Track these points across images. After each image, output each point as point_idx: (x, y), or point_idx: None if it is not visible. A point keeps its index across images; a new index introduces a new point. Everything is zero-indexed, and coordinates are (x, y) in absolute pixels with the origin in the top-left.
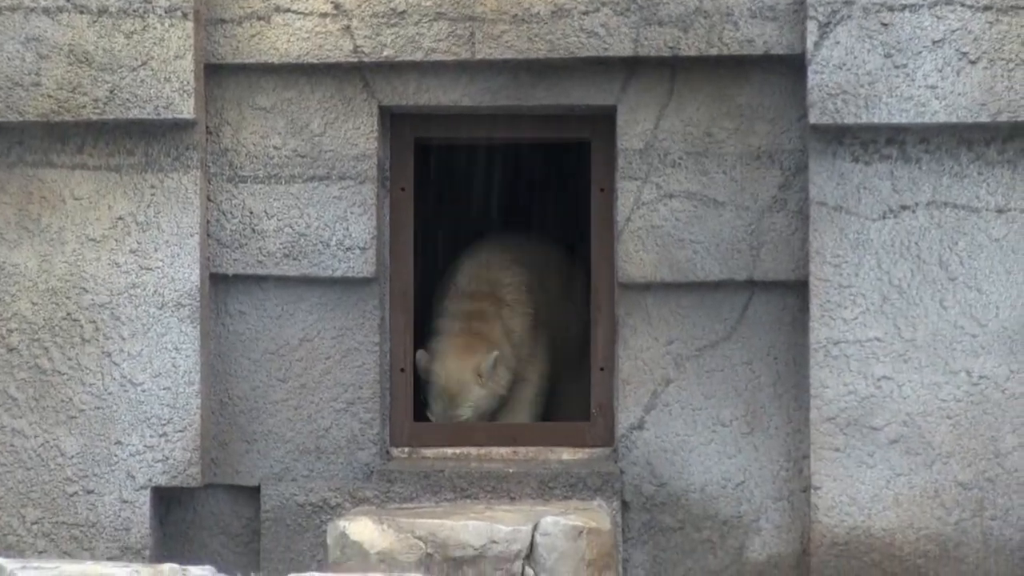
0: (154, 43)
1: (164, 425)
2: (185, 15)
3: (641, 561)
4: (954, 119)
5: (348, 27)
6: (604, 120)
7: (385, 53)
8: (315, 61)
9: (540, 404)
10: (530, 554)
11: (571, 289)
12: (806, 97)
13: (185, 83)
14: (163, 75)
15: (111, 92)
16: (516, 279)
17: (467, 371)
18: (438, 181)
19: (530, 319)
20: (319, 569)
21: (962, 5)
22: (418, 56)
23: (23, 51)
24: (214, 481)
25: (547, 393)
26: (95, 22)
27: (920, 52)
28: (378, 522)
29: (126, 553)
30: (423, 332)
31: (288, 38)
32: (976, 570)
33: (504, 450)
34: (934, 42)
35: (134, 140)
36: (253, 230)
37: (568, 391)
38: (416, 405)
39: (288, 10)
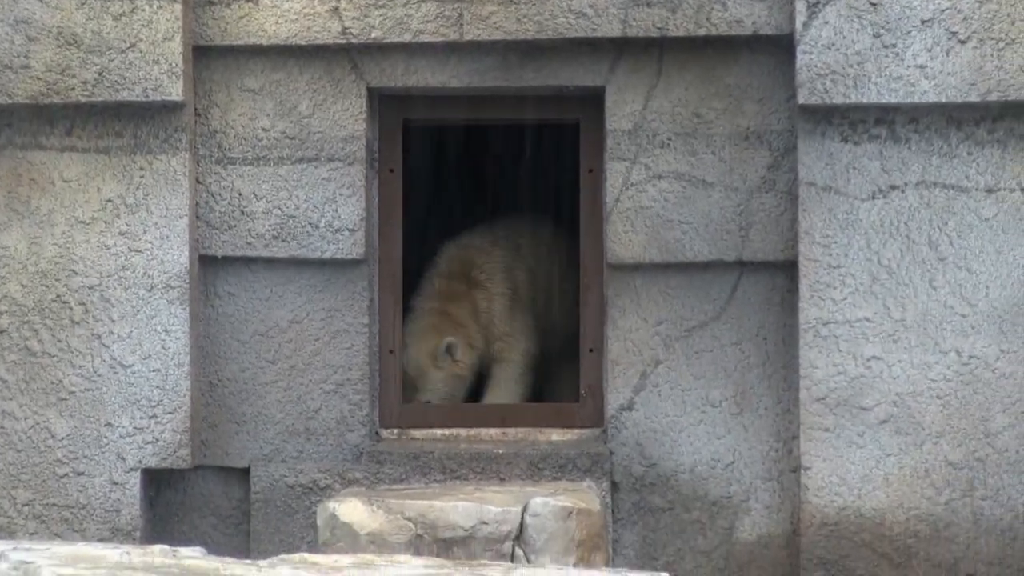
0: (143, 25)
1: (154, 407)
2: None
3: (631, 541)
4: (943, 99)
5: (336, 9)
6: (593, 101)
7: (373, 35)
8: (303, 43)
9: (525, 384)
10: (520, 535)
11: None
12: (795, 77)
13: (174, 65)
14: (152, 57)
15: (100, 74)
16: (492, 261)
17: (423, 355)
18: (429, 163)
19: (507, 300)
20: (309, 550)
21: None
22: (406, 38)
23: (12, 33)
24: (204, 463)
25: (533, 372)
26: (83, 4)
27: (909, 32)
28: (368, 503)
29: (116, 535)
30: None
31: (277, 20)
32: (966, 550)
33: (494, 431)
34: (923, 21)
35: (123, 122)
36: (242, 212)
37: (566, 372)
38: (405, 386)
39: None
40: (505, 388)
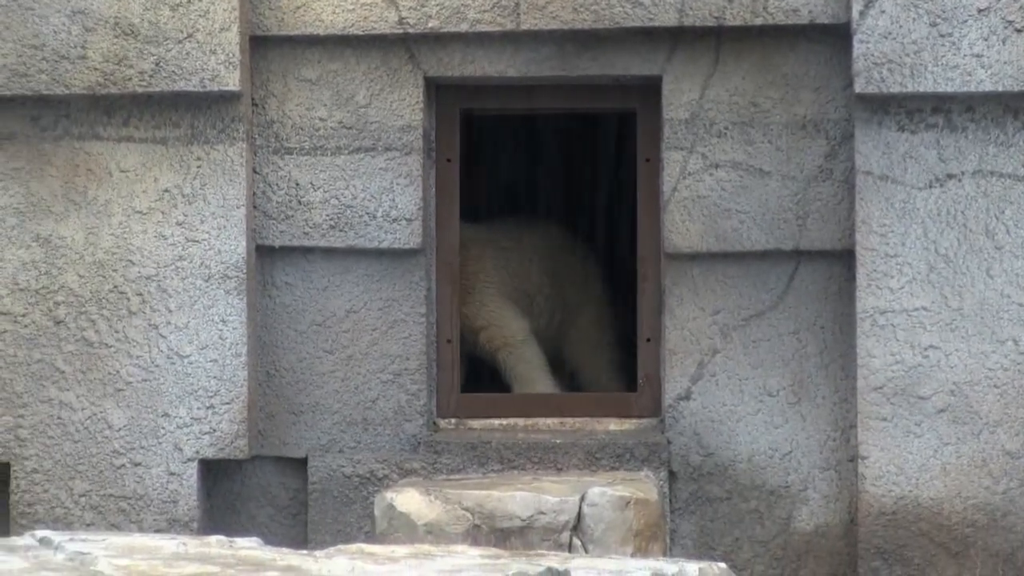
0: (199, 15)
1: (211, 397)
2: None
3: (688, 531)
4: (1000, 88)
5: None
6: (649, 90)
7: (430, 24)
8: (360, 33)
9: (533, 357)
10: (577, 525)
11: (576, 276)
12: (851, 66)
13: (231, 55)
14: (209, 47)
15: (157, 64)
16: (484, 254)
17: None
18: (486, 152)
19: (492, 290)
20: (366, 540)
21: None
22: (463, 27)
23: (69, 24)
24: (261, 453)
25: (535, 345)
26: None
27: (966, 21)
28: (425, 493)
29: (173, 525)
30: None
31: (333, 10)
32: None
33: (551, 421)
34: (979, 11)
35: (180, 112)
36: (299, 202)
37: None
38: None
39: None
40: (519, 372)
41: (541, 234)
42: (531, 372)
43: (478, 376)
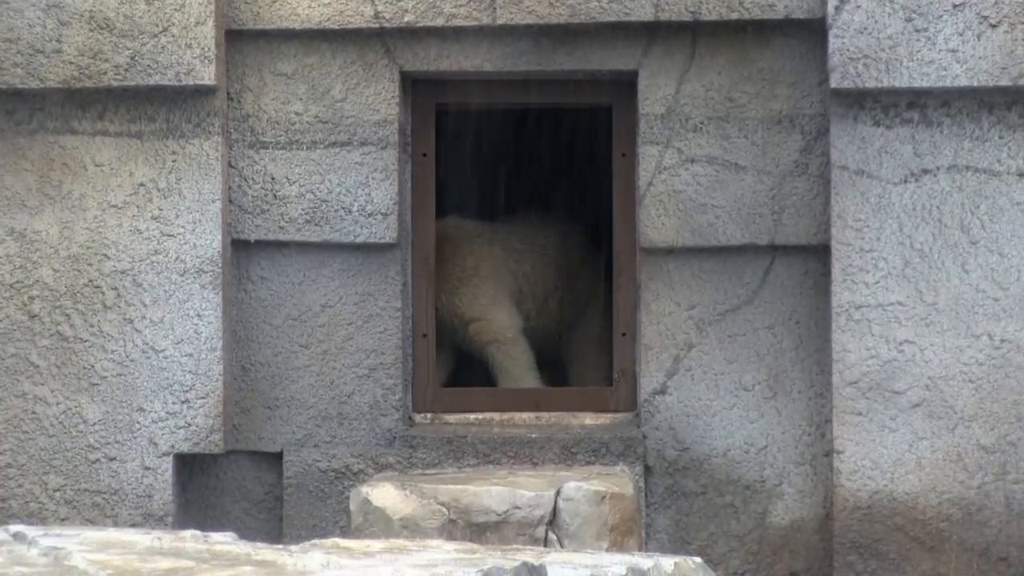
0: (175, 9)
1: (186, 392)
2: None
3: (664, 526)
4: (975, 83)
5: None
6: (625, 85)
7: (406, 19)
8: (336, 27)
9: (520, 355)
10: (553, 519)
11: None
12: (827, 61)
13: (206, 49)
14: (184, 41)
15: (132, 58)
16: (480, 248)
17: None
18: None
19: (484, 285)
20: (342, 535)
21: None
22: (439, 22)
23: (44, 17)
24: (236, 447)
25: (524, 342)
26: None
27: (941, 16)
28: (401, 488)
29: (148, 520)
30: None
31: (309, 4)
32: (999, 534)
33: (527, 415)
34: (955, 6)
35: (155, 106)
36: (275, 196)
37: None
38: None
39: None
40: (505, 368)
41: (557, 234)
42: (517, 369)
43: (470, 373)
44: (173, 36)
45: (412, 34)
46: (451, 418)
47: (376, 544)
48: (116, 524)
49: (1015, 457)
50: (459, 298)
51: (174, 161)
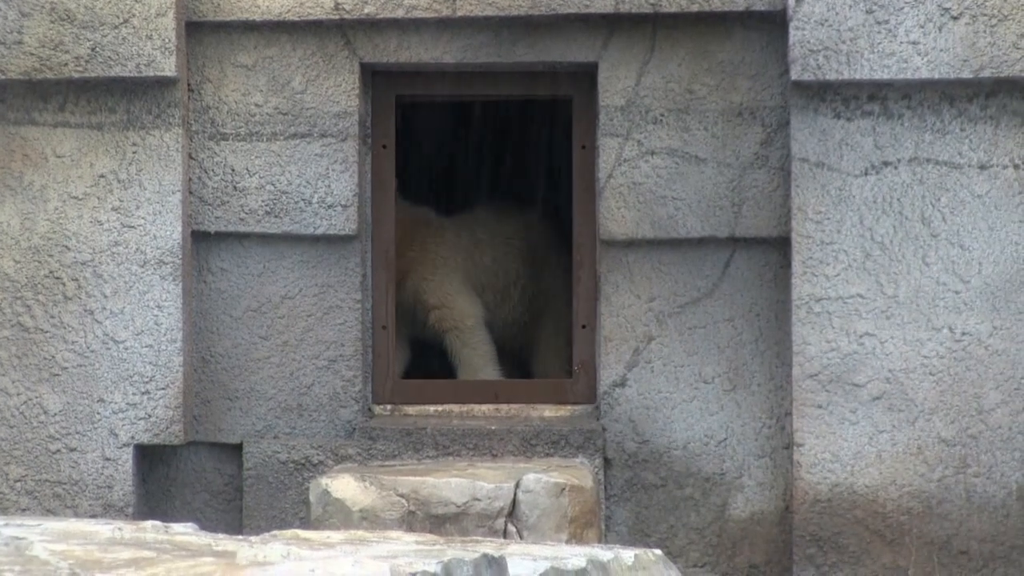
0: (135, 1)
1: (146, 383)
2: None
3: (624, 518)
4: (936, 75)
5: None
6: (586, 77)
7: (366, 10)
8: (296, 19)
9: (479, 343)
10: (512, 511)
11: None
12: (788, 53)
13: (167, 40)
14: (145, 32)
15: (93, 50)
16: (437, 239)
17: None
18: (421, 138)
19: (444, 274)
20: (301, 526)
21: None
22: (399, 13)
23: (5, 9)
24: (196, 439)
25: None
26: None
27: (902, 8)
28: (360, 479)
29: (109, 510)
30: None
31: None
32: (959, 527)
33: (486, 407)
34: None
35: (116, 98)
36: (235, 187)
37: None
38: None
39: None
40: (464, 357)
41: (521, 224)
42: (476, 359)
43: (427, 363)
44: (134, 27)
45: (372, 26)
46: (411, 410)
47: (336, 535)
48: (77, 515)
49: (975, 450)
50: (426, 283)
51: (135, 152)
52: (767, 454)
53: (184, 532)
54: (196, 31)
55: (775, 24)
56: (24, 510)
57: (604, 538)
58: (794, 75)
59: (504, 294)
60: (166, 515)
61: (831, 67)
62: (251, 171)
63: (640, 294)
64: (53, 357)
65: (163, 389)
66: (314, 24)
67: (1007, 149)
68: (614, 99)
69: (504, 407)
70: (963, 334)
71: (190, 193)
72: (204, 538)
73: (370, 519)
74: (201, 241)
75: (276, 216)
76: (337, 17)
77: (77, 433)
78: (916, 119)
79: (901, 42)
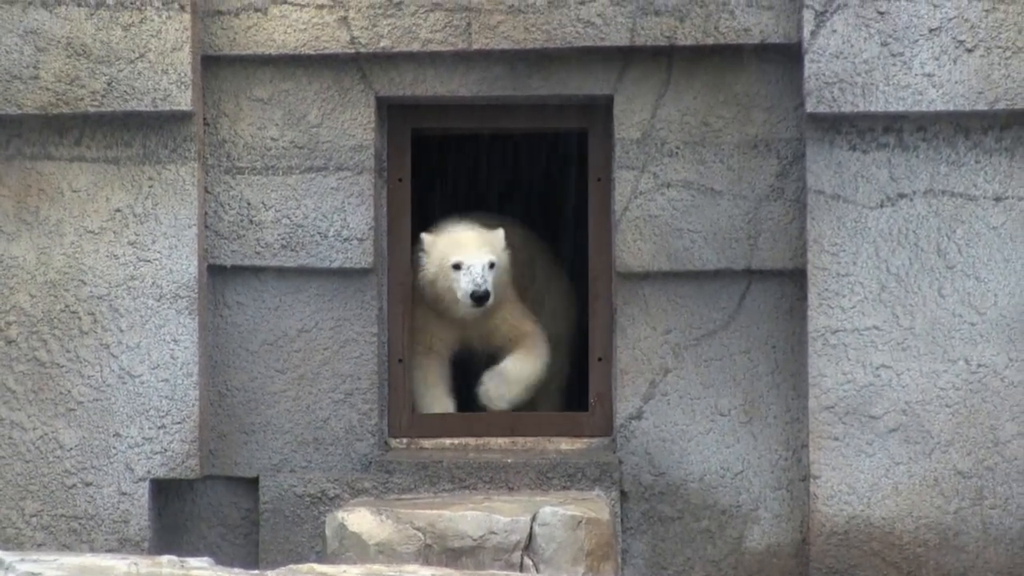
0: (151, 35)
1: (162, 417)
2: (182, 7)
3: (640, 551)
4: (951, 107)
5: (345, 18)
6: (601, 110)
7: (382, 44)
8: (312, 52)
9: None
10: (529, 544)
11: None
12: (803, 86)
13: (182, 75)
14: (160, 67)
15: (109, 84)
16: None
17: None
18: (438, 172)
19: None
20: (318, 560)
21: None
22: (415, 47)
23: (21, 44)
24: (212, 473)
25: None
26: (93, 15)
27: (917, 40)
28: (376, 513)
29: (125, 545)
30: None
31: (285, 29)
32: (976, 559)
33: (502, 440)
34: (931, 30)
35: (132, 132)
36: (251, 221)
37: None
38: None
39: (285, 1)
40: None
41: (517, 236)
42: (535, 358)
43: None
44: (149, 62)
45: (388, 59)
46: (427, 443)
47: (352, 569)
48: (93, 549)
49: (992, 482)
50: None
51: (150, 187)
52: (783, 486)
53: (200, 567)
54: (212, 65)
55: (790, 57)
56: (40, 545)
57: (621, 571)
58: (809, 107)
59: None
60: (182, 549)
61: (846, 99)
62: (267, 205)
63: (656, 326)
64: (69, 391)
65: (179, 423)
66: (330, 58)
67: (1022, 181)
68: (630, 132)
69: (520, 440)
70: (979, 366)
71: (206, 227)
72: (220, 572)
73: (387, 553)
74: (217, 275)
75: (292, 250)
76: (353, 51)
77: (93, 468)
78: (931, 151)
79: (916, 74)
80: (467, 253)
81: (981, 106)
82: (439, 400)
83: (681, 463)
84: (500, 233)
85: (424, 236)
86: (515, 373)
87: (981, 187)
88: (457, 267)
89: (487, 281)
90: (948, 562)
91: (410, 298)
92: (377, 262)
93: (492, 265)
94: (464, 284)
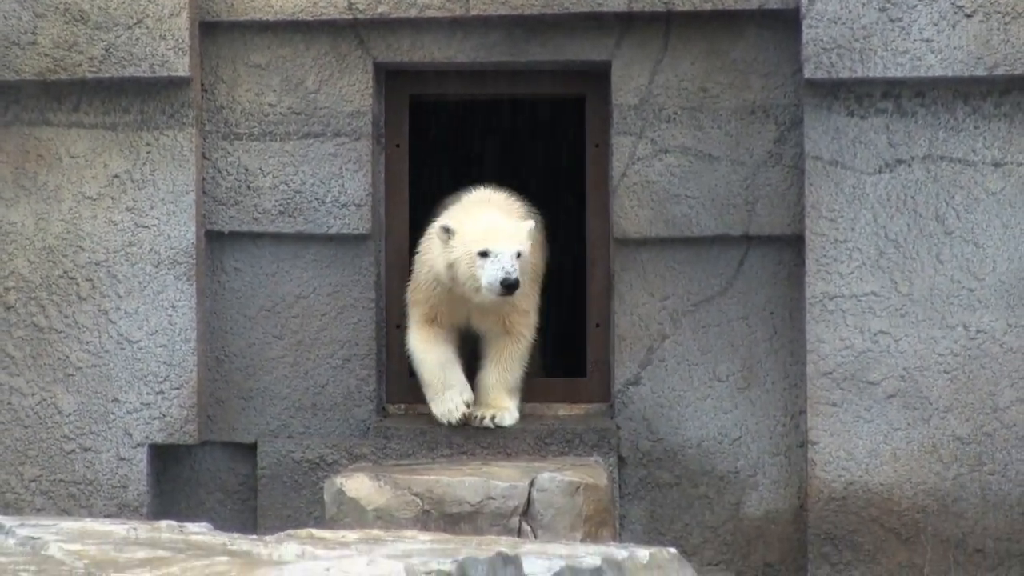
0: (149, 1)
1: (161, 383)
2: None
3: (638, 516)
4: (950, 73)
5: None
6: (599, 76)
7: (380, 10)
8: (310, 18)
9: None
10: (527, 510)
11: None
12: (801, 51)
13: (180, 41)
14: (158, 33)
15: (107, 50)
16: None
17: None
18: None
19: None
20: (316, 526)
21: None
22: (412, 13)
23: (19, 9)
24: (211, 438)
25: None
26: None
27: (915, 5)
28: (375, 479)
29: (123, 510)
30: None
31: None
32: (975, 525)
33: None
34: None
35: (130, 98)
36: (248, 187)
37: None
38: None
39: None
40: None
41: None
42: (519, 365)
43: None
44: (147, 28)
45: (385, 25)
46: (425, 409)
47: (351, 535)
48: (91, 514)
49: (991, 448)
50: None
51: (148, 153)
52: (781, 452)
53: (199, 532)
54: (210, 31)
55: (788, 22)
56: (39, 510)
57: (619, 536)
58: (807, 73)
59: None
60: (180, 515)
61: (844, 65)
62: (264, 171)
63: (654, 293)
64: (67, 357)
65: (177, 389)
66: (327, 24)
67: (1021, 146)
68: (627, 98)
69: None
70: (977, 332)
71: (204, 193)
72: (219, 538)
73: (384, 518)
74: (215, 241)
75: (290, 216)
76: (350, 17)
77: (91, 433)
78: (930, 117)
79: (915, 40)
80: (497, 241)
81: (980, 71)
82: (448, 372)
83: (679, 429)
84: (530, 224)
85: (449, 221)
86: (508, 383)
87: (980, 153)
88: (484, 254)
89: (516, 270)
90: (947, 528)
91: (407, 264)
92: (374, 228)
93: (519, 255)
94: (493, 272)
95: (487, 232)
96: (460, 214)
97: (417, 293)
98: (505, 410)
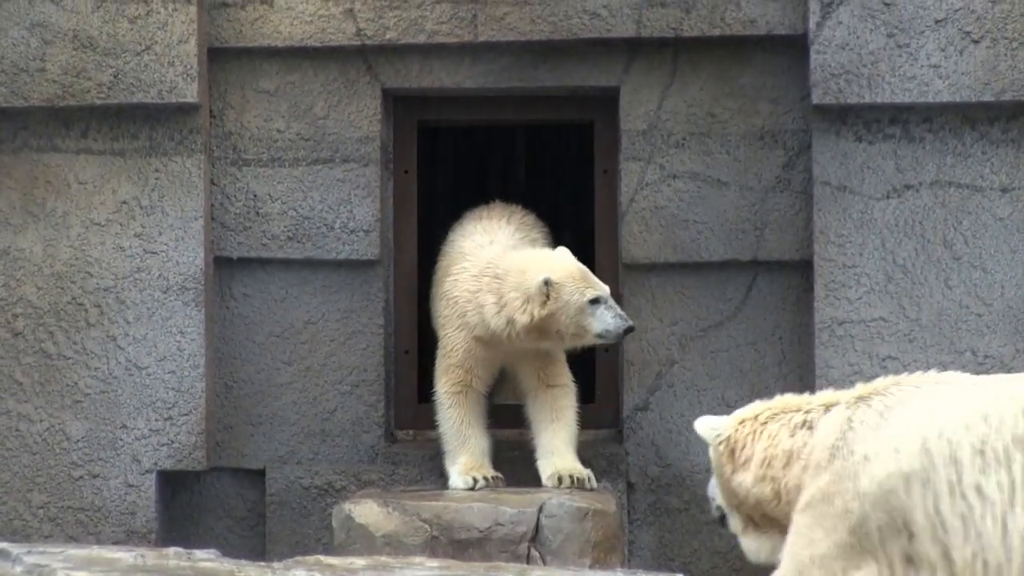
0: (158, 28)
1: (169, 409)
2: (188, 0)
3: (647, 542)
4: (957, 98)
5: (351, 10)
6: (607, 101)
7: (388, 36)
8: (318, 44)
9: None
10: (535, 536)
11: None
12: (809, 77)
13: (189, 67)
14: (167, 59)
15: (115, 77)
16: None
17: None
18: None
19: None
20: (325, 552)
21: None
22: (421, 39)
23: (28, 37)
24: (219, 464)
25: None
26: (99, 7)
27: (923, 31)
28: (383, 505)
29: (131, 537)
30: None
31: (291, 21)
32: None
33: (509, 431)
34: (937, 21)
35: (138, 124)
36: (257, 213)
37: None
38: (420, 387)
39: None
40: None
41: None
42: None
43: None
44: (156, 54)
45: (394, 51)
46: (433, 434)
47: (359, 561)
48: (99, 541)
49: None
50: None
51: (157, 179)
52: None
53: (207, 558)
54: (218, 57)
55: (796, 48)
56: (47, 537)
57: (627, 562)
58: (815, 99)
59: None
60: (189, 541)
61: (852, 91)
62: (273, 197)
63: (662, 318)
64: (76, 384)
65: (186, 415)
66: (336, 50)
67: None
68: (636, 123)
69: (527, 432)
70: (986, 357)
71: (212, 219)
72: (227, 564)
73: (393, 544)
74: (224, 267)
75: (298, 241)
76: (359, 43)
77: (100, 459)
78: (937, 142)
79: (922, 65)
80: (602, 287)
81: (987, 97)
82: (476, 438)
83: (688, 454)
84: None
85: (549, 277)
86: (575, 441)
87: (988, 178)
88: (595, 302)
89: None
90: None
91: (416, 290)
92: (383, 254)
93: None
94: (611, 318)
95: (587, 277)
96: (535, 264)
97: (451, 359)
98: (586, 473)
